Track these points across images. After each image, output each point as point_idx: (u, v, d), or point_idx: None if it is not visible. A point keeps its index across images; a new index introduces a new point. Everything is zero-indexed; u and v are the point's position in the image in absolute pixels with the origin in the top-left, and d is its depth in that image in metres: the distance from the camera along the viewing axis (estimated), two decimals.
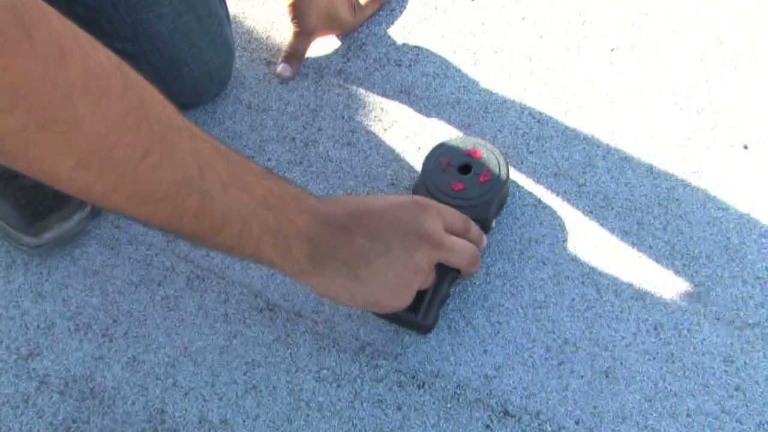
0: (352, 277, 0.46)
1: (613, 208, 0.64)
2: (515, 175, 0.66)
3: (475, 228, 0.55)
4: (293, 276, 0.48)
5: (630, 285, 0.60)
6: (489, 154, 0.62)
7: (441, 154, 0.63)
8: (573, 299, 0.60)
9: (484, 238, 0.58)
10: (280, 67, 0.74)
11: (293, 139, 0.72)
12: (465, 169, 0.62)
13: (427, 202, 0.50)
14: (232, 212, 0.40)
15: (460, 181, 0.61)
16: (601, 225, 0.63)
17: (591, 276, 0.61)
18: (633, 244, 0.62)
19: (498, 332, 0.59)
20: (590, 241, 0.63)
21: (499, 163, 0.61)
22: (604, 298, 0.59)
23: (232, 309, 0.62)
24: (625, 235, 0.62)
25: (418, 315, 0.55)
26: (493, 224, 0.63)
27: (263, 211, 0.42)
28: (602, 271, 0.61)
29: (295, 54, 0.74)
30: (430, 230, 0.48)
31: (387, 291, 0.48)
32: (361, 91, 0.74)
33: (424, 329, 0.58)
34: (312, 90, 0.75)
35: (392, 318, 0.57)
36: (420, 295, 0.54)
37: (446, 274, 0.57)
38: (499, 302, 0.60)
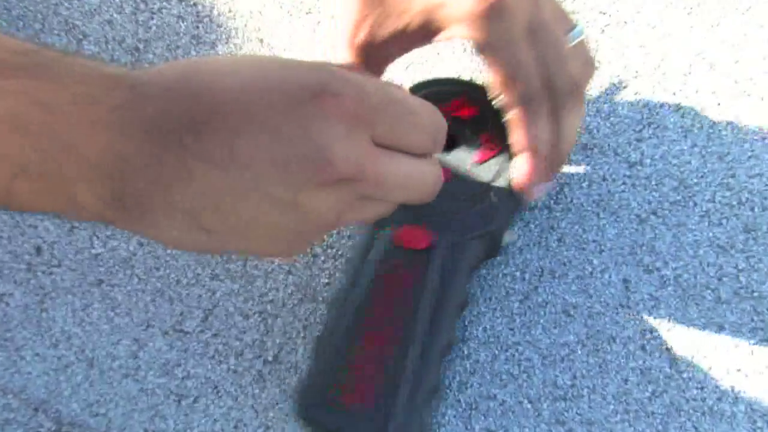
0: (196, 227, 0.43)
1: (696, 204, 0.59)
2: None
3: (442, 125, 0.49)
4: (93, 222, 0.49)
5: (735, 347, 0.55)
6: (488, 107, 0.58)
7: None
8: (626, 381, 0.55)
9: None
10: None
11: None
12: (448, 142, 0.57)
13: (337, 88, 0.44)
14: None
15: (443, 166, 0.57)
16: (677, 238, 0.59)
17: (658, 337, 0.57)
18: (738, 270, 0.56)
19: None
20: (654, 271, 0.58)
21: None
22: (686, 375, 0.55)
23: None
24: (722, 252, 0.57)
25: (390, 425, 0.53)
26: (509, 239, 0.59)
27: (12, 141, 0.39)
28: (680, 326, 0.57)
29: None
30: (335, 157, 0.43)
31: (257, 245, 0.46)
32: None
33: None
34: None
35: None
36: (391, 394, 0.52)
37: (436, 342, 0.53)
38: (488, 393, 0.56)
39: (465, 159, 0.58)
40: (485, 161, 0.58)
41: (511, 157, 0.58)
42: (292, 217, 0.44)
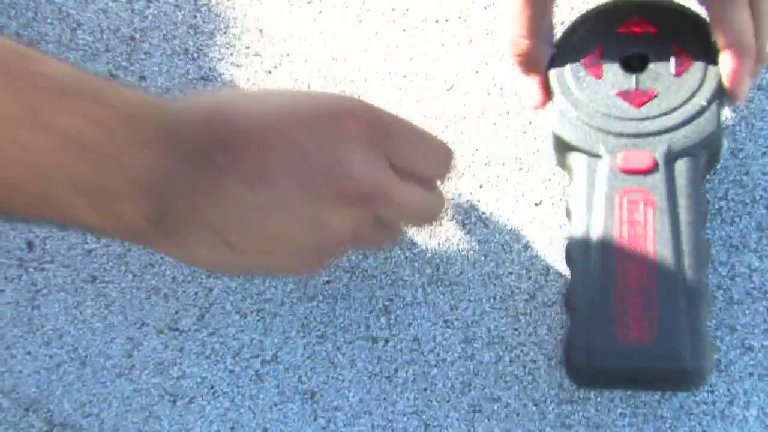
0: (221, 244, 0.45)
1: (708, 202, 0.56)
2: None
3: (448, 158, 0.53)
4: (131, 242, 0.53)
5: (747, 349, 0.53)
6: (673, 18, 0.57)
7: (574, 46, 0.57)
8: None
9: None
10: None
11: None
12: (636, 62, 0.57)
13: (361, 114, 0.48)
14: (19, 167, 0.41)
15: (643, 88, 0.57)
16: None
17: None
18: (751, 270, 0.55)
19: None
20: None
21: (703, 28, 0.56)
22: None
23: None
24: (734, 251, 0.56)
25: (686, 357, 0.50)
26: (726, 145, 0.57)
27: (70, 157, 0.41)
28: None
29: None
30: (356, 173, 0.45)
31: (277, 262, 0.49)
32: None
33: (694, 378, 0.51)
34: None
35: (621, 383, 0.54)
36: (671, 317, 0.51)
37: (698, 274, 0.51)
38: (492, 395, 0.54)
39: (663, 73, 0.57)
40: (684, 72, 0.57)
41: (710, 61, 0.56)
42: (311, 232, 0.46)
